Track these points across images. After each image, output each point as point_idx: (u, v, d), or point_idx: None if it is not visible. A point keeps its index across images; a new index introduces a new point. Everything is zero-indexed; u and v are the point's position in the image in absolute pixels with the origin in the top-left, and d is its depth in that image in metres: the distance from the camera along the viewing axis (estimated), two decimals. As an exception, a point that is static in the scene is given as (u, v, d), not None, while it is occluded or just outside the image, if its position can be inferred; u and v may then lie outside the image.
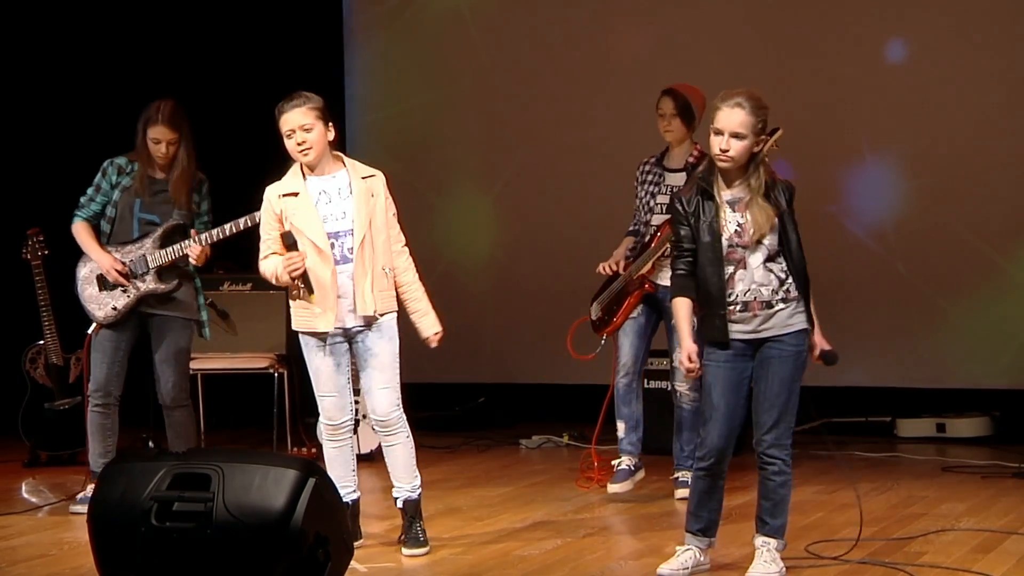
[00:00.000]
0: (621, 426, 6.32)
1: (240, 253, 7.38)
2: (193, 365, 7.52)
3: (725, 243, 4.69)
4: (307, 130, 5.14)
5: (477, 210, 9.06)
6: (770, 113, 4.71)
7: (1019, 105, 7.92)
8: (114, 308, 6.17)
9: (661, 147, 6.39)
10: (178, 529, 4.16)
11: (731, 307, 4.70)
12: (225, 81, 8.99)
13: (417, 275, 5.37)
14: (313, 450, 7.40)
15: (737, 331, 4.72)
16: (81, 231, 6.26)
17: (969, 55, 7.98)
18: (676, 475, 6.32)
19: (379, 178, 5.29)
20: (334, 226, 5.19)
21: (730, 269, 4.70)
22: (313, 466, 4.28)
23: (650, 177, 6.33)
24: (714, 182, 4.74)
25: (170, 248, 6.16)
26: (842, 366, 8.15)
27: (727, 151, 4.64)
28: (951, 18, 8.04)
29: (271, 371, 7.68)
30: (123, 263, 6.17)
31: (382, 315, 5.22)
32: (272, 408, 7.68)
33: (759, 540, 4.80)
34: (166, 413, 6.28)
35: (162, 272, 6.19)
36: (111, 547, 4.26)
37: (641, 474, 6.30)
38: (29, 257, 7.12)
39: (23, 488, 6.95)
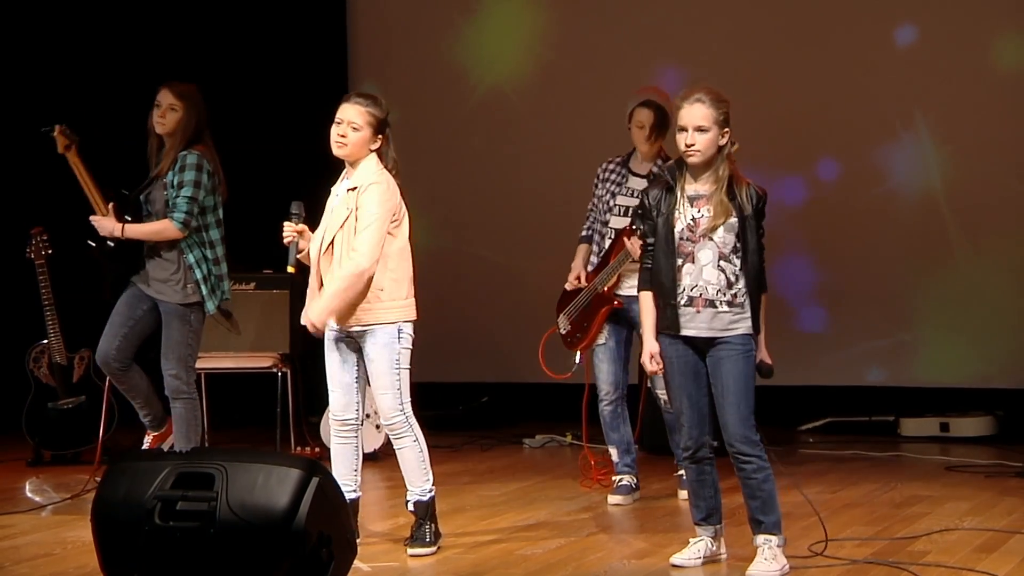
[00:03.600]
0: (613, 451, 6.33)
1: (243, 253, 7.39)
2: (196, 364, 7.53)
3: (676, 236, 4.82)
4: (354, 128, 5.20)
5: (479, 208, 9.06)
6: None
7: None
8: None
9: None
10: (182, 528, 4.16)
11: (678, 299, 4.83)
12: (228, 80, 8.99)
13: (343, 282, 5.13)
14: (317, 449, 7.41)
15: (682, 325, 4.84)
16: None
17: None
18: (679, 472, 6.32)
19: (370, 190, 5.17)
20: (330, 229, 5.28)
21: (679, 262, 4.83)
22: (316, 465, 4.29)
23: (613, 176, 6.30)
24: (679, 177, 4.87)
25: None
26: (846, 366, 8.28)
27: (692, 145, 4.78)
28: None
29: (275, 370, 7.68)
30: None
31: (368, 327, 5.20)
32: (276, 407, 7.68)
33: (759, 539, 4.84)
34: (170, 404, 6.25)
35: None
36: (115, 546, 4.26)
37: (638, 493, 6.31)
38: (33, 256, 7.13)
39: (27, 487, 6.95)
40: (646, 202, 4.92)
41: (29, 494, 6.80)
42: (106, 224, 6.08)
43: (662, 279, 4.84)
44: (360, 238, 5.14)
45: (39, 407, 7.43)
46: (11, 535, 5.75)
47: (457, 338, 9.05)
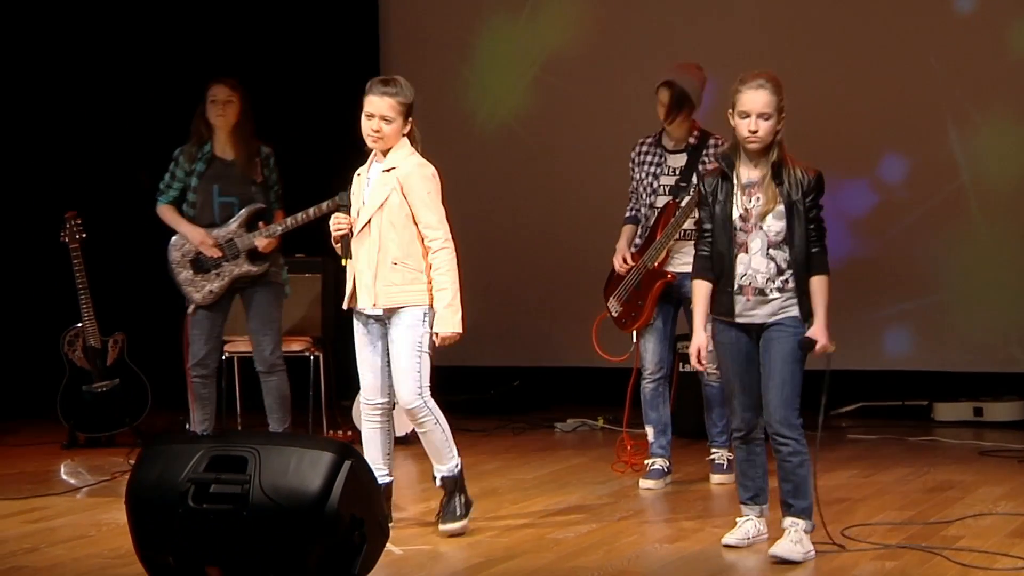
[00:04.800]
0: (650, 430, 6.32)
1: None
2: (228, 348, 7.57)
3: (733, 224, 4.80)
4: (387, 121, 5.19)
5: (513, 191, 9.05)
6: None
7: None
8: (211, 291, 6.56)
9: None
10: (215, 511, 4.19)
11: (734, 285, 4.81)
12: (259, 69, 9.00)
13: (449, 274, 5.22)
14: (349, 433, 7.43)
15: (737, 312, 4.82)
16: (166, 211, 6.65)
17: None
18: (712, 456, 6.31)
19: (404, 170, 5.21)
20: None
21: (734, 250, 4.81)
22: (349, 449, 4.30)
23: (649, 158, 6.26)
24: (736, 163, 4.83)
25: (252, 234, 6.53)
26: (879, 349, 8.23)
27: (756, 131, 4.73)
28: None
29: (307, 354, 7.70)
30: (215, 238, 6.52)
31: (395, 309, 5.20)
32: (308, 391, 7.70)
33: (787, 521, 4.84)
34: (263, 379, 6.65)
35: (251, 254, 6.54)
36: (149, 528, 4.29)
37: (671, 477, 6.30)
38: (67, 240, 7.17)
39: (62, 469, 7.00)
40: (702, 189, 4.89)
41: (64, 476, 6.85)
42: (261, 243, 6.52)
43: (722, 266, 4.82)
44: (427, 219, 5.19)
45: (74, 390, 7.48)
46: (47, 517, 5.79)
47: (488, 322, 9.04)
